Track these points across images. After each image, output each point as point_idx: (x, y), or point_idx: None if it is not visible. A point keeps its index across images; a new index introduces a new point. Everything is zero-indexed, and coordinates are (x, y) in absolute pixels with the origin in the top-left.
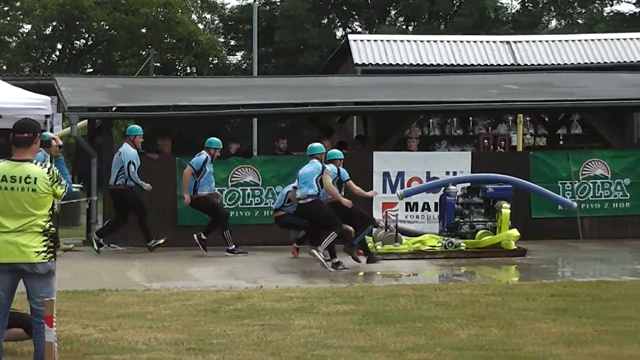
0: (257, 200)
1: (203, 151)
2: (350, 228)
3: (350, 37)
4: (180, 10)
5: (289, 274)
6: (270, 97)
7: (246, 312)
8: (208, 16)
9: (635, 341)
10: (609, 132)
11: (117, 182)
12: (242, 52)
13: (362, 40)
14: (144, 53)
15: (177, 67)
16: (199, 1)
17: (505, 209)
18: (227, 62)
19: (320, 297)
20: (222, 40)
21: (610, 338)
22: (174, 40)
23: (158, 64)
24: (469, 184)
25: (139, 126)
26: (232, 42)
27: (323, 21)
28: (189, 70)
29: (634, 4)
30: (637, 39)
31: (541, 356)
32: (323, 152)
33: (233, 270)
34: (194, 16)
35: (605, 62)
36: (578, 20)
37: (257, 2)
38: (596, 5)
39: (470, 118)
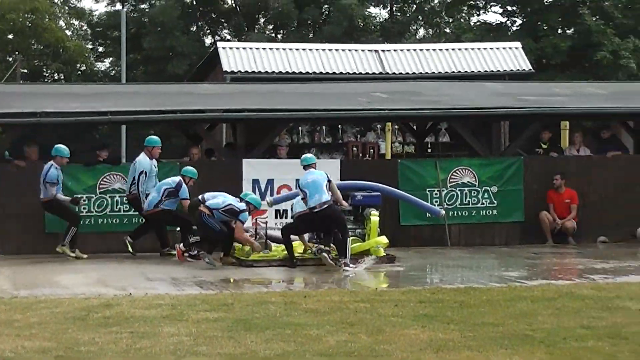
0: (126, 207)
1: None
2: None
3: (219, 44)
4: (47, 17)
5: (158, 281)
6: (139, 104)
7: (115, 319)
8: (76, 22)
9: (502, 347)
10: (476, 140)
11: (132, 191)
12: (111, 58)
13: (231, 48)
14: (10, 59)
15: (44, 73)
16: (67, 7)
17: (374, 216)
18: (95, 68)
19: (190, 305)
20: (90, 46)
21: (478, 344)
22: (42, 47)
23: (25, 71)
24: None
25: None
26: (101, 49)
27: (192, 29)
28: (57, 77)
29: (500, 14)
30: (504, 48)
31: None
32: (315, 161)
33: (102, 278)
34: (61, 22)
35: (472, 71)
36: (445, 30)
37: (125, 9)
38: (463, 14)
39: (339, 126)
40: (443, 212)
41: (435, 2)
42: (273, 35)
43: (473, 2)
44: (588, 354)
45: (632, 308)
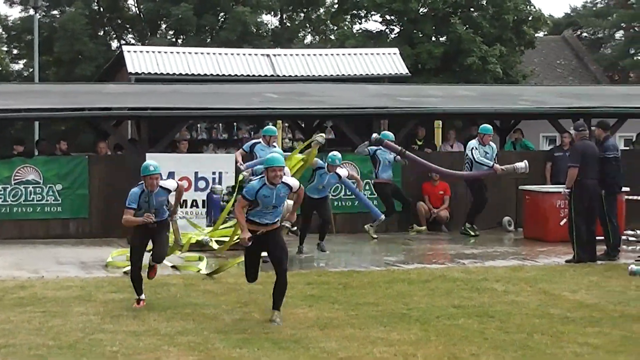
0: (39, 197)
1: None
2: None
3: (125, 48)
4: None
5: (69, 264)
6: (50, 102)
7: (28, 300)
8: None
9: (381, 324)
10: (358, 136)
11: None
12: (25, 60)
13: (135, 52)
14: None
15: None
16: None
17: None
18: (10, 69)
19: (97, 286)
20: (5, 49)
21: (359, 321)
22: None
23: None
24: (233, 184)
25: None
26: (15, 51)
27: (100, 33)
28: None
29: (380, 22)
30: (383, 54)
31: (298, 338)
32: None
33: (17, 262)
34: None
35: (355, 74)
36: (331, 36)
37: (38, 15)
38: (347, 23)
39: (235, 123)
40: (383, 217)
41: (321, 11)
42: (174, 40)
43: (355, 12)
44: (459, 331)
45: (497, 289)
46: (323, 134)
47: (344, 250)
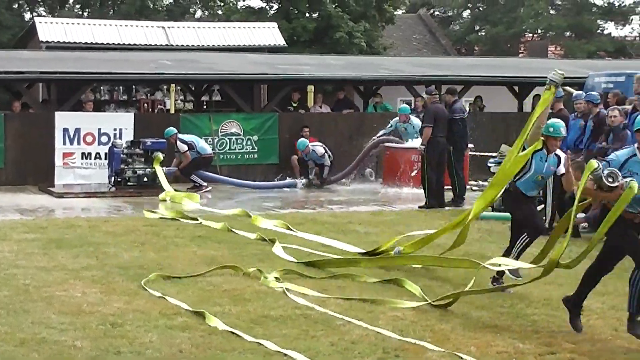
0: None
1: None
2: None
3: (37, 19)
4: None
5: None
6: None
7: None
8: None
9: (259, 261)
10: (241, 99)
11: None
12: None
13: (46, 22)
14: None
15: None
16: None
17: (158, 157)
18: None
19: (12, 227)
20: None
21: (241, 259)
22: None
23: None
24: (132, 139)
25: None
26: None
27: (14, 5)
28: None
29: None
30: (263, 27)
31: (188, 271)
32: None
33: None
34: None
35: (239, 45)
36: (218, 12)
37: None
38: (232, 0)
39: (133, 86)
40: (298, 182)
41: None
42: (80, 12)
43: None
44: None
45: (360, 231)
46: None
47: (228, 198)
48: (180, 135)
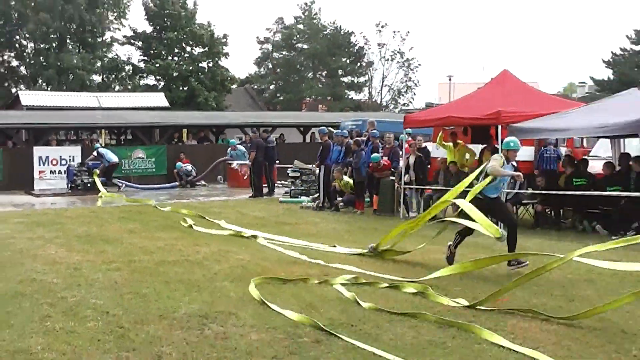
0: None
1: None
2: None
3: (20, 92)
4: None
5: None
6: None
7: None
8: None
9: (162, 230)
10: (145, 137)
11: None
12: None
13: (26, 94)
14: None
15: None
16: None
17: (95, 172)
18: None
19: (9, 215)
20: None
21: (149, 229)
22: None
23: None
24: (80, 161)
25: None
26: None
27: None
28: None
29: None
30: (154, 96)
31: (115, 238)
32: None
33: None
34: None
35: (142, 106)
36: (128, 87)
37: None
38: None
39: (80, 131)
40: (177, 184)
41: None
42: (47, 87)
43: None
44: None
45: (216, 211)
46: None
47: (138, 194)
48: (99, 150)
